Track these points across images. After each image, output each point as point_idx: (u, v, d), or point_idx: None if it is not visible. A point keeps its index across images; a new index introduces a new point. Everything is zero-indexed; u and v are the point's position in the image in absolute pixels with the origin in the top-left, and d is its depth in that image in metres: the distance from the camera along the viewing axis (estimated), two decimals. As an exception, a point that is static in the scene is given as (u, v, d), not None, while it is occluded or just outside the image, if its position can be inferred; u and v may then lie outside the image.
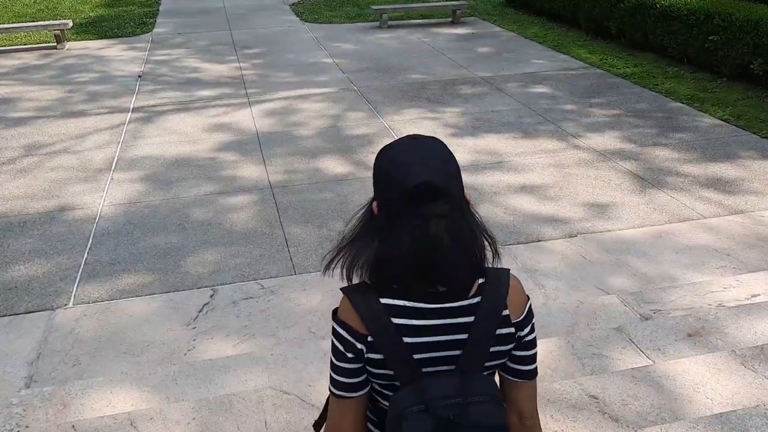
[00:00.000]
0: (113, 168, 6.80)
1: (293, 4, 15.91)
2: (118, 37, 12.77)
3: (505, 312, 1.27)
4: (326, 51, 11.50)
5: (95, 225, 5.63)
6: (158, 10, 15.34)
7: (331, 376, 1.29)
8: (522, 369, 1.33)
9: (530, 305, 1.34)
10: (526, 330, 1.31)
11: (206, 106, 8.72)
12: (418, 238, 1.20)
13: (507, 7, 15.18)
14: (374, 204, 1.29)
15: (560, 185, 6.18)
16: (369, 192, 1.40)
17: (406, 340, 1.22)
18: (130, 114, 8.44)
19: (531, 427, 1.35)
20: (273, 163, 6.87)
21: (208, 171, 6.69)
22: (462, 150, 7.08)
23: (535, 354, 1.34)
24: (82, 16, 14.45)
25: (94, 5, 15.73)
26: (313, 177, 6.50)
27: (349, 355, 1.25)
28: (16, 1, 16.18)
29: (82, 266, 5.01)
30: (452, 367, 1.25)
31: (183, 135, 7.69)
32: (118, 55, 11.43)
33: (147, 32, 13.12)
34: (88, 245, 5.31)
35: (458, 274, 1.23)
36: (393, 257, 1.22)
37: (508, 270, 1.33)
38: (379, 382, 1.27)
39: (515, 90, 9.09)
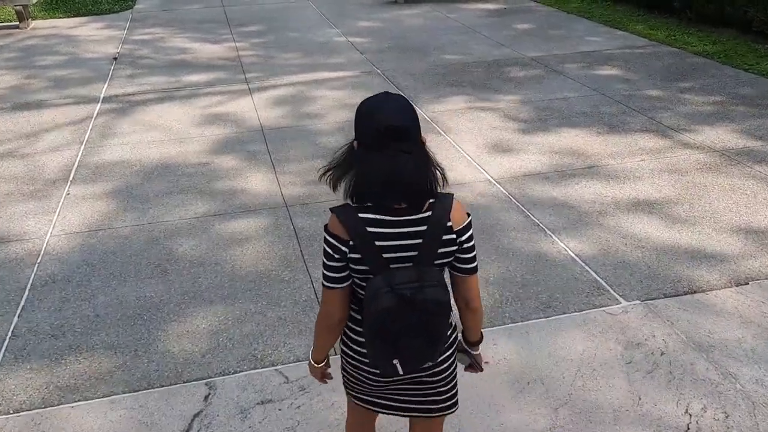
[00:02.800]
0: (71, 178, 5.05)
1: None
2: (93, 14, 10.94)
3: (449, 223, 1.68)
4: (337, 29, 9.73)
5: (36, 267, 3.90)
6: (141, -15, 13.47)
7: (323, 274, 1.71)
8: (465, 267, 1.76)
9: (470, 221, 1.74)
10: (465, 237, 1.72)
11: (196, 94, 6.96)
12: (386, 168, 1.60)
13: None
14: (355, 142, 1.69)
15: (688, 200, 4.49)
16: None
17: (377, 243, 1.65)
18: (99, 105, 6.67)
19: (474, 309, 1.83)
20: (285, 169, 5.14)
21: (199, 182, 4.96)
22: (535, 150, 5.37)
23: (475, 256, 1.76)
24: (54, -8, 12.58)
25: (67, -19, 13.84)
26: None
27: (336, 256, 1.67)
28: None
29: (6, 342, 3.29)
30: (410, 264, 1.68)
31: (167, 131, 5.95)
32: (91, 34, 9.61)
33: (127, 9, 11.29)
34: (21, 302, 3.58)
35: (416, 196, 1.65)
36: (368, 182, 1.64)
37: (452, 194, 1.73)
38: (358, 276, 1.70)
39: (578, 72, 7.37)
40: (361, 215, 1.65)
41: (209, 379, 2.98)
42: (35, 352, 3.21)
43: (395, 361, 1.68)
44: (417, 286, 1.60)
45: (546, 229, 4.18)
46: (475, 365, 1.99)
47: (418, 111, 6.36)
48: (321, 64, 7.91)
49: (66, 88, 7.19)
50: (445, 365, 1.85)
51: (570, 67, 7.55)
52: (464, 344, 1.97)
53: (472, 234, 1.74)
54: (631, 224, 4.21)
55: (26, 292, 3.66)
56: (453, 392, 1.93)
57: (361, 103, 1.70)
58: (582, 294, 3.52)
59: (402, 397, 1.89)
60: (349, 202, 1.70)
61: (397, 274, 1.62)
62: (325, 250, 1.68)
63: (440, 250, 1.67)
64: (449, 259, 1.71)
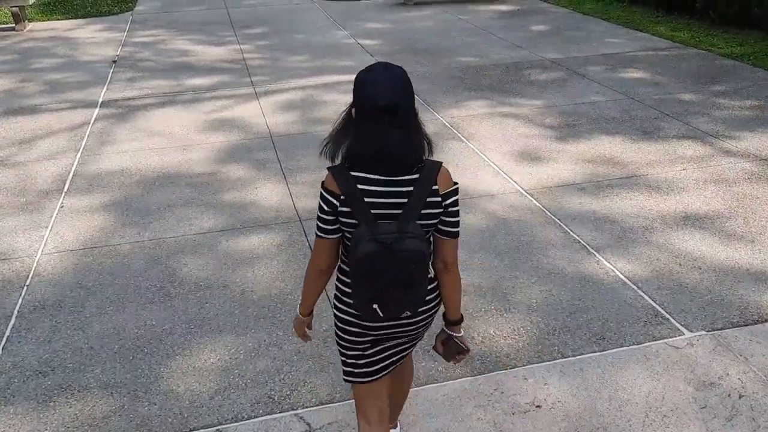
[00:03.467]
0: (66, 189, 4.67)
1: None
2: (92, 16, 10.56)
3: (435, 186, 1.78)
4: (345, 30, 9.35)
5: (24, 291, 3.51)
6: (141, -13, 13.11)
7: (317, 225, 1.84)
8: (447, 229, 1.84)
9: (457, 188, 1.84)
10: (450, 201, 1.82)
11: (199, 98, 6.58)
12: (379, 142, 1.72)
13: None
14: (353, 110, 1.78)
15: (742, 214, 4.09)
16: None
17: (366, 199, 1.76)
18: (97, 110, 6.28)
19: (452, 272, 1.92)
20: (298, 179, 4.75)
21: (204, 193, 4.57)
22: (566, 158, 4.99)
23: (458, 221, 1.85)
24: (52, -6, 12.21)
25: (66, -17, 13.48)
26: (361, 202, 4.40)
27: (328, 209, 1.80)
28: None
29: (-12, 379, 2.90)
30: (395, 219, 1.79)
31: (169, 138, 5.56)
32: (90, 36, 9.24)
33: (127, 10, 10.92)
34: (6, 332, 3.19)
35: (405, 163, 1.75)
36: (361, 151, 1.75)
37: (441, 162, 1.83)
38: (347, 229, 1.80)
39: (602, 75, 6.99)
40: (353, 173, 1.77)
41: (220, 427, 2.58)
42: (21, 392, 2.81)
43: (375, 306, 1.79)
44: (397, 236, 1.71)
45: (588, 247, 3.79)
46: (461, 348, 2.03)
47: (436, 116, 5.99)
48: (330, 67, 7.53)
49: (62, 93, 6.81)
50: (425, 322, 1.97)
51: (593, 70, 7.17)
52: (447, 330, 2.04)
53: (457, 200, 1.84)
54: (682, 241, 3.82)
55: (12, 320, 3.27)
56: (425, 331, 2.06)
57: (360, 72, 1.78)
58: (639, 323, 3.13)
59: (392, 349, 2.00)
60: (343, 162, 1.82)
61: (381, 226, 1.74)
62: (319, 204, 1.83)
63: (424, 211, 1.77)
64: (434, 221, 1.81)
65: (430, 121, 5.83)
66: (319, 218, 1.83)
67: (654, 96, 6.29)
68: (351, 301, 1.89)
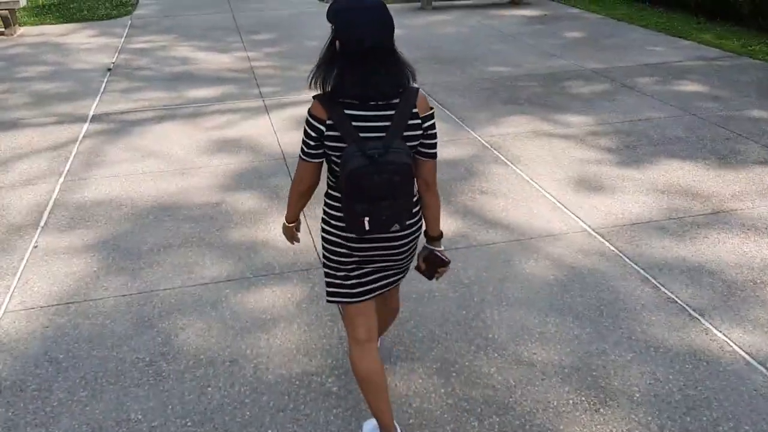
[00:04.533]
0: (42, 224, 3.92)
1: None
2: (88, 20, 9.85)
3: (415, 110, 1.91)
4: (361, 37, 8.62)
5: (-24, 368, 2.75)
6: (142, -10, 12.41)
7: (301, 149, 1.97)
8: (427, 151, 2.00)
9: (433, 113, 1.98)
10: (428, 124, 1.96)
11: (202, 111, 5.84)
12: (366, 79, 1.83)
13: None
14: (337, 44, 1.86)
15: None
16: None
17: (353, 123, 1.87)
18: (87, 125, 5.54)
19: (433, 191, 2.08)
20: (318, 211, 3.98)
21: (207, 230, 3.82)
22: (633, 187, 4.23)
23: (436, 143, 2.00)
24: (47, -3, 11.51)
25: (63, -15, 12.78)
26: (397, 243, 3.64)
27: (313, 134, 1.91)
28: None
29: None
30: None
31: (166, 159, 4.82)
32: (84, 42, 8.51)
33: (125, 14, 10.21)
34: (-55, 432, 2.43)
35: (388, 91, 1.87)
36: (347, 83, 1.84)
37: (418, 88, 1.96)
38: (335, 153, 1.91)
39: (653, 88, 6.23)
40: (339, 100, 1.87)
41: None
42: None
43: (366, 219, 1.88)
44: (383, 151, 1.83)
45: (689, 309, 3.02)
46: (442, 261, 2.15)
47: (473, 135, 5.23)
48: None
49: (49, 105, 6.07)
50: (410, 246, 2.09)
51: (642, 82, 6.42)
52: (428, 246, 2.17)
53: (434, 124, 1.99)
54: (806, 301, 3.06)
55: (-44, 411, 2.51)
56: (412, 261, 2.19)
57: (342, 10, 1.85)
58: (783, 426, 2.36)
59: (378, 273, 2.11)
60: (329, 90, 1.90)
61: (368, 143, 1.85)
62: (305, 129, 1.94)
63: (406, 132, 1.90)
64: (415, 143, 1.95)
65: (467, 141, 5.07)
66: (303, 142, 1.96)
67: (718, 112, 5.52)
68: (338, 224, 2.02)
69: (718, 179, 4.32)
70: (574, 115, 5.58)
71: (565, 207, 4.00)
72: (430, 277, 2.23)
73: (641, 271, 3.32)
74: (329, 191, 2.05)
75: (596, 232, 3.70)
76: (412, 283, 3.22)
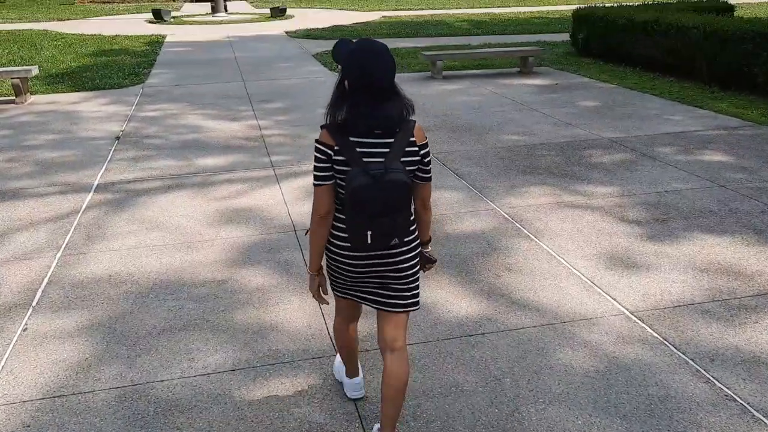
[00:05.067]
0: (35, 303, 3.64)
1: (318, 53, 13.13)
2: (100, 89, 9.88)
3: (412, 138, 2.15)
4: (373, 105, 8.55)
5: (-57, 477, 2.42)
6: (155, 60, 12.58)
7: (314, 176, 2.14)
8: (424, 175, 2.23)
9: (428, 142, 2.23)
10: (424, 151, 2.20)
11: (211, 181, 5.66)
12: (373, 116, 2.07)
13: (575, 55, 12.42)
14: (346, 82, 2.10)
15: None
16: None
17: (357, 149, 2.08)
18: (91, 195, 5.35)
19: (428, 209, 2.33)
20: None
21: (212, 310, 3.53)
22: (670, 265, 3.94)
23: (431, 169, 2.24)
24: (62, 66, 11.66)
25: (79, 55, 13.01)
26: (423, 329, 3.33)
27: (323, 157, 2.11)
28: (-14, 51, 13.49)
29: None
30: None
31: (172, 232, 4.58)
32: (95, 110, 8.48)
33: (138, 83, 10.26)
34: None
35: (392, 123, 2.10)
36: (356, 121, 2.08)
37: (416, 120, 2.20)
38: (341, 176, 2.11)
39: (676, 158, 6.04)
40: (344, 129, 2.10)
41: None
42: None
43: (368, 233, 2.08)
44: (383, 171, 2.03)
45: (753, 410, 2.68)
46: (430, 258, 2.44)
47: (492, 206, 5.00)
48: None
49: (54, 174, 5.91)
50: (409, 263, 2.28)
51: (664, 152, 6.23)
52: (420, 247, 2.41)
53: (429, 152, 2.24)
54: None
55: None
56: (415, 292, 2.35)
57: (352, 52, 2.09)
58: None
59: (373, 289, 2.31)
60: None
61: (370, 165, 2.05)
62: (315, 156, 2.13)
63: (404, 159, 2.12)
64: (414, 167, 2.17)
65: (486, 212, 4.83)
66: (315, 168, 2.12)
67: (748, 184, 5.29)
68: (342, 243, 2.20)
69: (760, 256, 4.03)
70: (597, 186, 5.35)
71: (598, 286, 3.71)
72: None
73: (691, 362, 2.99)
74: (336, 214, 2.23)
75: (635, 316, 3.39)
76: (436, 375, 2.90)
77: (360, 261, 2.20)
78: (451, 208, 4.95)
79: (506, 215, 4.78)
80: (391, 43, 14.42)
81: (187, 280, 3.88)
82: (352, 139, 2.07)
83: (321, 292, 2.37)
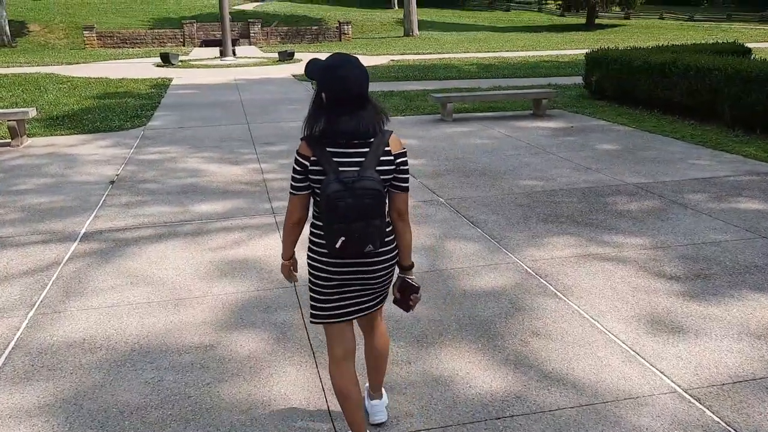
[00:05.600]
0: (-7, 374, 3.18)
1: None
2: (100, 131, 9.59)
3: (387, 147, 2.23)
4: (381, 148, 8.19)
5: None
6: (159, 102, 12.37)
7: (290, 185, 2.28)
8: (400, 185, 2.30)
9: (405, 152, 2.31)
10: (401, 161, 2.28)
11: (206, 229, 5.24)
12: (349, 125, 2.16)
13: (588, 98, 12.11)
14: (323, 95, 2.19)
15: None
16: None
17: (334, 159, 2.18)
18: (75, 245, 4.93)
19: (405, 221, 2.36)
20: (323, 374, 3.23)
21: (196, 383, 3.05)
22: (722, 330, 3.44)
23: (408, 178, 2.32)
24: (64, 108, 11.44)
25: (82, 98, 12.82)
26: (440, 409, 2.84)
27: (299, 168, 2.23)
28: (-11, 93, 13.34)
29: None
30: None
31: (159, 287, 4.14)
32: (92, 153, 8.15)
33: (139, 126, 9.98)
34: None
35: (368, 131, 2.19)
36: (333, 130, 2.17)
37: (391, 131, 2.30)
38: (317, 185, 2.20)
39: (708, 205, 5.59)
40: (324, 140, 2.20)
41: None
42: None
43: (340, 239, 2.13)
44: (357, 178, 2.11)
45: None
46: (413, 287, 2.41)
47: (513, 259, 4.54)
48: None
49: (39, 221, 5.51)
50: (385, 272, 2.35)
51: (694, 199, 5.78)
52: (401, 275, 2.44)
53: (407, 161, 2.30)
54: None
55: None
56: (388, 287, 2.44)
57: (327, 66, 2.19)
58: None
59: (353, 297, 2.35)
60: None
61: (344, 172, 2.15)
62: (293, 167, 2.26)
63: (379, 167, 2.19)
64: (389, 176, 2.24)
65: (507, 266, 4.37)
66: (292, 179, 2.27)
67: (794, 234, 4.83)
68: (320, 249, 2.28)
69: (823, 320, 3.53)
70: (626, 236, 4.90)
71: (642, 356, 3.21)
72: (406, 309, 2.47)
73: (767, 458, 2.48)
74: (314, 221, 2.33)
75: (690, 394, 2.89)
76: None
77: (338, 268, 2.28)
78: (467, 260, 4.50)
79: (529, 269, 4.32)
80: (400, 86, 14.22)
81: (171, 345, 3.41)
82: (329, 149, 2.18)
83: (291, 271, 2.50)
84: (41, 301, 3.96)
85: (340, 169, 2.15)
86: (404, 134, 9.09)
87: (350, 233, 2.13)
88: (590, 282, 4.10)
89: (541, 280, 4.15)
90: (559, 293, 3.95)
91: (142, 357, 3.30)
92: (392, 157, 2.23)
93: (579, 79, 14.28)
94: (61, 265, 4.54)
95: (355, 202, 2.09)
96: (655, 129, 9.12)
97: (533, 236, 4.95)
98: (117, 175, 7.04)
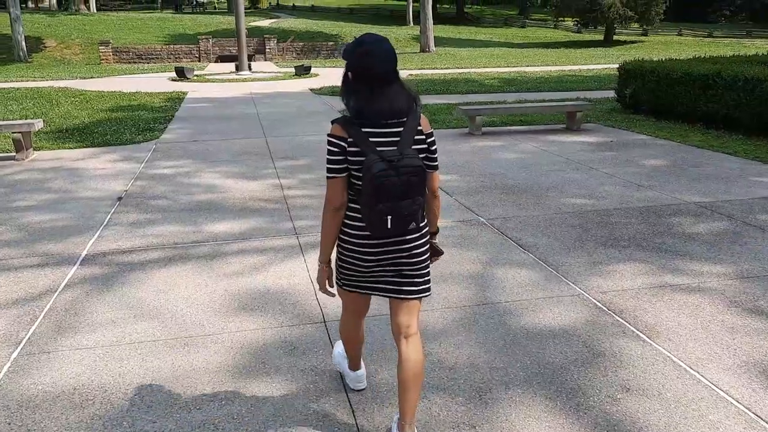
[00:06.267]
0: (-40, 435, 2.58)
1: (344, 110, 12.33)
2: (110, 145, 9.09)
3: (419, 127, 2.24)
4: (408, 163, 7.60)
5: None
6: (173, 116, 11.88)
7: (327, 168, 2.22)
8: (431, 164, 2.31)
9: (433, 131, 2.32)
10: (431, 140, 2.29)
11: (222, 252, 4.65)
12: (377, 103, 2.16)
13: (622, 112, 11.47)
14: (350, 74, 2.20)
15: None
16: None
17: (370, 138, 2.16)
18: (74, 269, 4.36)
19: (437, 197, 2.40)
20: (376, 417, 2.61)
21: (208, 453, 2.43)
22: None
23: (437, 157, 2.34)
24: (75, 121, 10.97)
25: (94, 111, 12.38)
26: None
27: (336, 150, 2.19)
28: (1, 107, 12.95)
29: None
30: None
31: (166, 321, 3.54)
32: (101, 168, 7.63)
33: (151, 139, 9.46)
34: None
35: (398, 109, 2.18)
36: (363, 108, 2.17)
37: (421, 110, 2.28)
38: (356, 167, 2.18)
39: (788, 227, 4.93)
40: (356, 121, 2.18)
41: None
42: None
43: (388, 217, 2.13)
44: (399, 156, 2.12)
45: None
46: (437, 251, 2.50)
47: (577, 291, 3.89)
48: (399, 210, 5.63)
49: (37, 242, 4.95)
50: (421, 249, 2.32)
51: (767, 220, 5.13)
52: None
53: (435, 140, 2.31)
54: None
55: None
56: (427, 278, 2.38)
57: (357, 45, 2.17)
58: None
59: (386, 278, 2.34)
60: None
61: (385, 151, 2.14)
62: (328, 149, 2.21)
63: (414, 146, 2.20)
64: (422, 155, 2.24)
65: (571, 299, 3.74)
66: (329, 161, 2.20)
67: None
68: (358, 233, 2.24)
69: None
70: (703, 263, 4.25)
71: (766, 421, 2.56)
72: None
73: None
74: (349, 204, 2.26)
75: None
76: None
77: (375, 249, 2.25)
78: (523, 291, 3.86)
79: (598, 303, 3.68)
80: (422, 100, 13.66)
81: (177, 397, 2.80)
82: (364, 129, 2.16)
83: (328, 285, 2.38)
84: (29, 338, 3.38)
85: (378, 148, 2.14)
86: (432, 148, 8.50)
87: (396, 211, 2.13)
88: (675, 320, 3.45)
89: (616, 317, 3.51)
90: (641, 334, 3.31)
91: (143, 414, 2.69)
92: (424, 136, 2.25)
93: (609, 93, 13.67)
94: (56, 293, 3.96)
95: (401, 180, 2.10)
96: (702, 144, 8.46)
97: (594, 263, 4.31)
98: (125, 190, 6.49)
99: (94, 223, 5.43)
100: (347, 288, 2.40)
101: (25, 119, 11.09)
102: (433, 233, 2.46)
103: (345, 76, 2.21)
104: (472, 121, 9.56)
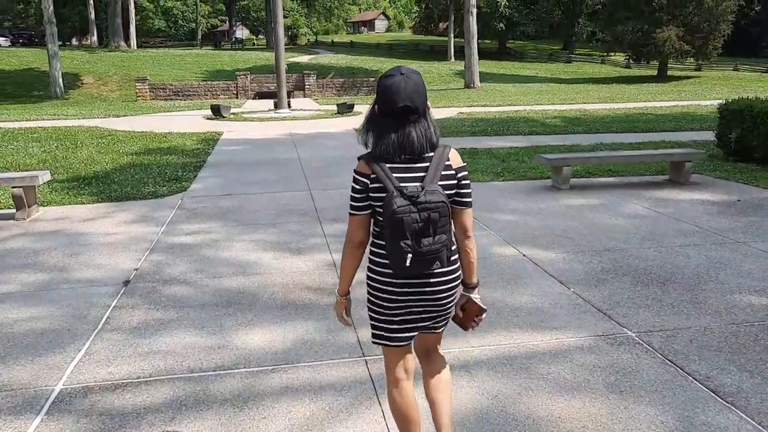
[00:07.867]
0: None
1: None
2: (129, 199, 7.72)
3: (448, 162, 2.19)
4: (489, 229, 6.01)
5: None
6: (205, 161, 10.55)
7: (350, 205, 2.23)
8: (463, 200, 2.24)
9: (466, 166, 2.26)
10: (462, 174, 2.23)
11: (257, 390, 3.09)
12: (400, 137, 2.13)
13: (724, 159, 9.72)
14: (375, 107, 2.19)
15: None
16: None
17: (395, 174, 2.14)
18: (37, 423, 2.84)
19: (470, 237, 2.28)
20: None
21: None
22: None
23: (470, 193, 2.26)
24: (95, 168, 9.70)
25: (119, 154, 11.15)
26: None
27: (359, 187, 2.18)
28: (16, 152, 11.84)
29: None
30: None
31: None
32: (111, 232, 6.21)
33: (177, 192, 8.07)
34: None
35: (421, 151, 2.15)
36: (385, 142, 2.15)
37: (450, 146, 2.24)
38: (378, 203, 2.16)
39: None
40: (379, 156, 2.16)
41: None
42: None
43: (408, 255, 2.07)
44: (421, 191, 2.08)
45: None
46: (480, 308, 2.33)
47: None
48: (504, 306, 4.01)
49: (-3, 361, 3.47)
50: (447, 294, 2.25)
51: None
52: (465, 293, 2.35)
53: (468, 175, 2.24)
54: None
55: None
56: (452, 309, 2.34)
57: (384, 79, 2.16)
58: None
59: (419, 321, 2.28)
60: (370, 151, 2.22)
61: (408, 188, 2.10)
62: (352, 186, 2.20)
63: (441, 182, 2.14)
64: (451, 191, 2.19)
65: None
66: (352, 198, 2.21)
67: None
68: (383, 270, 2.20)
69: None
70: None
71: None
72: (465, 328, 2.38)
73: None
74: (374, 240, 2.26)
75: None
76: None
77: (399, 289, 2.20)
78: None
79: None
80: (481, 142, 12.14)
81: None
82: (388, 166, 2.15)
83: (345, 315, 2.36)
84: None
85: (401, 185, 2.12)
86: (509, 207, 6.91)
87: (417, 249, 2.08)
88: None
89: None
90: None
91: None
92: (453, 171, 2.20)
93: (695, 135, 11.98)
94: (-7, 484, 2.44)
95: (421, 217, 2.07)
96: None
97: None
98: (136, 269, 5.03)
99: (85, 326, 3.95)
100: (385, 340, 2.30)
101: (43, 164, 9.91)
102: (472, 286, 2.35)
103: (371, 108, 2.20)
104: (557, 172, 7.94)
